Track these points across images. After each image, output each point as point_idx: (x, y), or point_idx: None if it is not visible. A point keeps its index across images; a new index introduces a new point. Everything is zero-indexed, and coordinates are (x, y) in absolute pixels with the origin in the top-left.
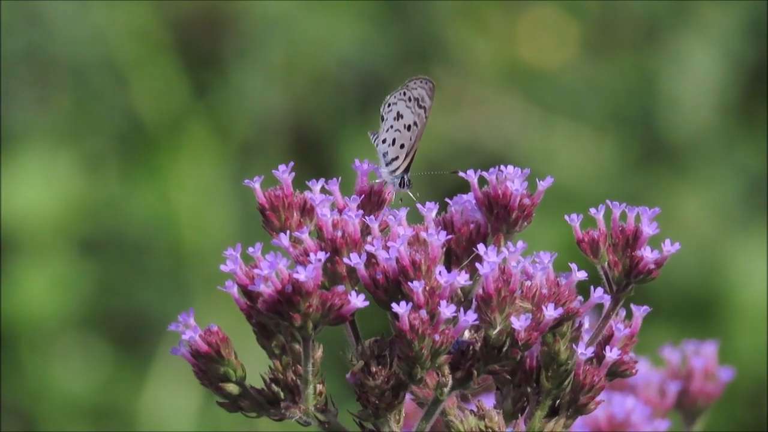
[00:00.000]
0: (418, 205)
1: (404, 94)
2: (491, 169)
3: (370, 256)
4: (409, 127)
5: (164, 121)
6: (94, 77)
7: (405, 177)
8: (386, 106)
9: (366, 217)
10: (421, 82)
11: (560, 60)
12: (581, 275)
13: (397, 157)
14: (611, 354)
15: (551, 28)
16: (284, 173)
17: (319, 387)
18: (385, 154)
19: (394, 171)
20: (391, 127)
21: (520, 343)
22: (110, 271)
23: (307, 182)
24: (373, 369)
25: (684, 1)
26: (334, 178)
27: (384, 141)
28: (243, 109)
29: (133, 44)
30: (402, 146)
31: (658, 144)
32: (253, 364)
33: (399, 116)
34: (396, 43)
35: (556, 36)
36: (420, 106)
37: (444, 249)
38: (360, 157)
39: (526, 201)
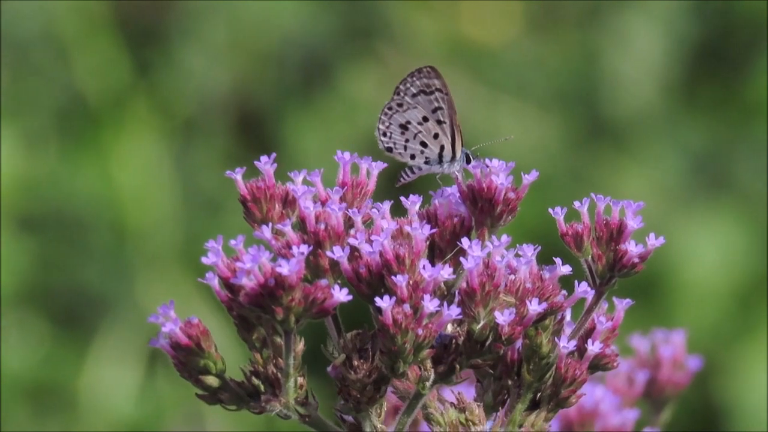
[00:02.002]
0: (402, 198)
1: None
2: (475, 162)
3: (354, 250)
4: (426, 118)
5: (106, 98)
6: (34, 53)
7: (464, 154)
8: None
9: (349, 210)
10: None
11: (504, 37)
12: (566, 270)
13: (443, 147)
14: (593, 347)
15: (495, 6)
16: (266, 164)
17: (300, 380)
18: (428, 161)
19: (451, 160)
20: (406, 140)
21: (503, 338)
22: (51, 249)
23: (288, 173)
24: (355, 362)
25: None
26: (317, 170)
27: (413, 157)
28: (186, 86)
29: (75, 20)
30: (436, 136)
31: (601, 122)
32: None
33: (404, 126)
34: (340, 20)
35: (500, 13)
36: (429, 92)
37: (428, 242)
38: (302, 134)
39: (511, 195)
